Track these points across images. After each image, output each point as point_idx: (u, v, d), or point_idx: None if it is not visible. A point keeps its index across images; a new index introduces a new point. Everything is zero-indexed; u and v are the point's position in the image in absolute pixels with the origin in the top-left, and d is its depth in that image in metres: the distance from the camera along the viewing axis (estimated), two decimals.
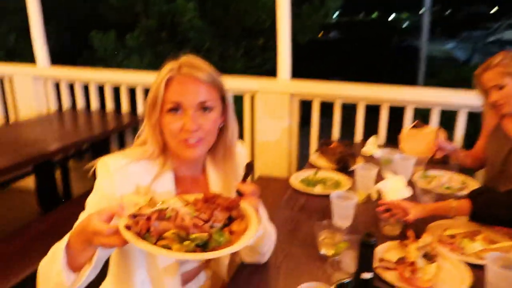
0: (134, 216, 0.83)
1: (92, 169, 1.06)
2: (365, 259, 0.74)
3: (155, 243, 0.80)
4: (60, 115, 3.44)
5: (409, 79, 7.90)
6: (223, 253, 0.81)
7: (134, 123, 3.28)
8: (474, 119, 2.54)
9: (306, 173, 1.97)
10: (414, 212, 1.44)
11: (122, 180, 1.03)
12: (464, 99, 2.51)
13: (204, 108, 1.04)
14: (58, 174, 3.28)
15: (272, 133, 2.92)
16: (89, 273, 0.89)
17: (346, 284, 0.81)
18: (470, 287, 1.14)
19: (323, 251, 1.31)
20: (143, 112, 1.14)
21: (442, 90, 2.70)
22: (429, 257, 1.24)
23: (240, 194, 1.05)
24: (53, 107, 3.56)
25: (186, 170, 1.15)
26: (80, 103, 3.50)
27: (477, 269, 1.21)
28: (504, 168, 1.89)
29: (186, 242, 0.80)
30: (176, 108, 1.02)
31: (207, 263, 1.20)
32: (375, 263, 1.23)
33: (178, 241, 0.80)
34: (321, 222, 1.34)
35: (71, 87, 3.51)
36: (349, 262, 1.16)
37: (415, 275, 1.16)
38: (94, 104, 3.46)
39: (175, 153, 1.09)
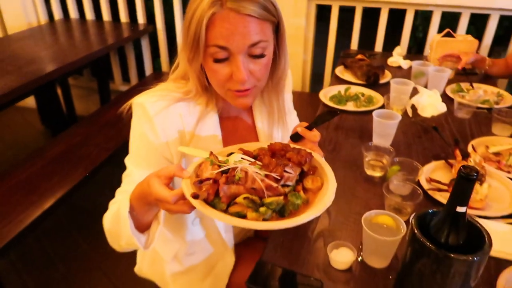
0: (199, 181, 0.73)
1: (126, 110, 0.95)
2: (463, 193, 0.68)
3: (226, 209, 0.72)
4: (52, 26, 3.17)
5: None
6: (306, 220, 0.69)
7: (135, 35, 3.04)
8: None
9: (335, 88, 1.87)
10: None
11: (165, 124, 0.93)
12: (497, 2, 2.32)
13: (255, 51, 0.84)
14: (58, 92, 3.13)
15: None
16: (159, 230, 0.85)
17: (431, 214, 0.77)
18: None
19: (370, 172, 1.27)
20: (180, 47, 0.90)
21: None
22: (479, 177, 1.21)
23: (296, 138, 0.95)
24: (44, 17, 3.26)
25: (231, 108, 1.04)
26: (73, 12, 3.21)
27: None
28: None
29: (262, 209, 0.71)
30: (221, 55, 0.84)
31: None
32: (424, 183, 1.20)
33: (252, 207, 0.71)
34: (368, 143, 1.28)
35: None
36: (401, 186, 1.13)
37: None
38: (89, 13, 3.17)
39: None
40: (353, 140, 1.46)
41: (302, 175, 0.82)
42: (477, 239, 0.74)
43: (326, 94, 1.82)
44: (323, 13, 2.82)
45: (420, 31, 4.16)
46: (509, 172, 1.28)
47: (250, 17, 0.81)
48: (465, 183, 0.67)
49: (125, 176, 0.98)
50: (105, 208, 0.95)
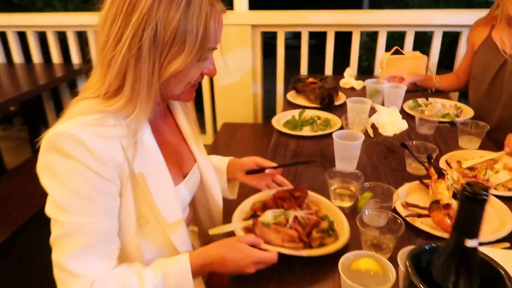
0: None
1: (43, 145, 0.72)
2: (472, 220, 0.50)
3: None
4: None
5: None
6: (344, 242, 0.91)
7: (69, 75, 2.79)
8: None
9: (289, 114, 1.71)
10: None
11: (109, 154, 0.74)
12: (440, 19, 2.34)
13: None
14: None
15: (234, 74, 2.59)
16: None
17: (429, 251, 0.58)
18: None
19: (338, 202, 1.08)
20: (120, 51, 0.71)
21: (416, 11, 2.53)
22: (458, 196, 1.06)
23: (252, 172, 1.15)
24: None
25: (156, 112, 0.90)
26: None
27: (507, 201, 1.07)
28: (491, 86, 1.76)
29: (331, 232, 0.93)
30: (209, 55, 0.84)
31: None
32: (401, 210, 1.03)
33: (326, 234, 0.92)
34: (332, 169, 1.10)
35: None
36: (376, 215, 0.95)
37: (453, 219, 0.98)
38: (17, 56, 2.89)
39: (166, 97, 0.86)
40: (314, 168, 1.28)
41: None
42: (490, 280, 0.56)
43: (280, 121, 1.66)
44: (269, 49, 2.74)
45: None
46: (489, 188, 1.15)
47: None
48: (473, 206, 0.49)
49: (74, 241, 0.74)
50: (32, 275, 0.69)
